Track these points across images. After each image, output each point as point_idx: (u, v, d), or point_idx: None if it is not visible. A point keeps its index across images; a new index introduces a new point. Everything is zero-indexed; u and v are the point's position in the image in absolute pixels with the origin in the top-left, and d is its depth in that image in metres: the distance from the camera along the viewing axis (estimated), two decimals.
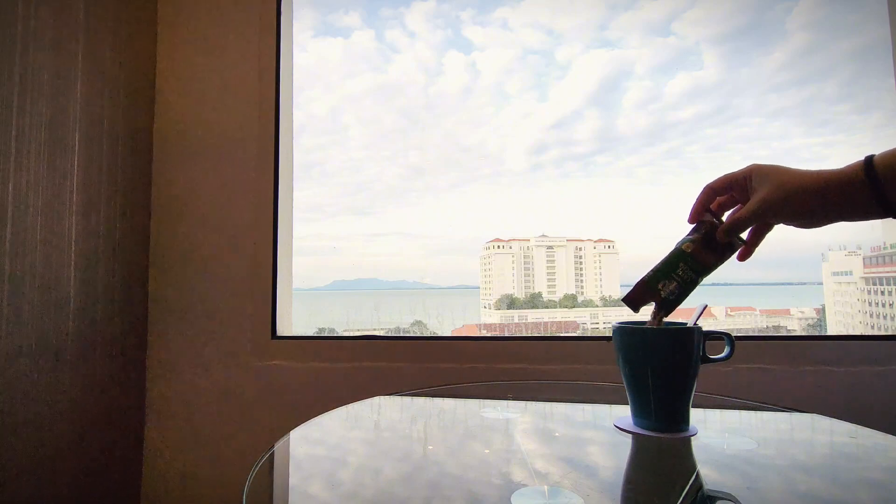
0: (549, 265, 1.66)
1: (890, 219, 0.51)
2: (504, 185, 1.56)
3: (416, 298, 1.47)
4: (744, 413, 0.81)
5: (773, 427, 0.74)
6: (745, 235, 0.61)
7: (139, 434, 1.24)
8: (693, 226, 0.64)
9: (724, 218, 0.62)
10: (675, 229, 0.66)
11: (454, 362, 1.16)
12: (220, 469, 1.22)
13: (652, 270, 0.63)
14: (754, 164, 0.58)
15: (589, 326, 1.59)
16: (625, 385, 0.66)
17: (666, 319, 0.66)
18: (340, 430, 0.74)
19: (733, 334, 0.66)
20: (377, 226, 1.63)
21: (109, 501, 1.13)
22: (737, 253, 0.62)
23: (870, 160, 0.51)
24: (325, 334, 1.36)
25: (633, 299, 0.64)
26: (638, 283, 0.64)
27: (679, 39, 1.45)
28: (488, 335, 1.47)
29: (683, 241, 0.63)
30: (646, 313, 0.66)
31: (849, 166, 0.52)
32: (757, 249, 0.62)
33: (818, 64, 1.35)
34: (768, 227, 0.61)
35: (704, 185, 0.62)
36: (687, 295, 0.62)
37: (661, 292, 0.62)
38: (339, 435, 0.71)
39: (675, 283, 0.62)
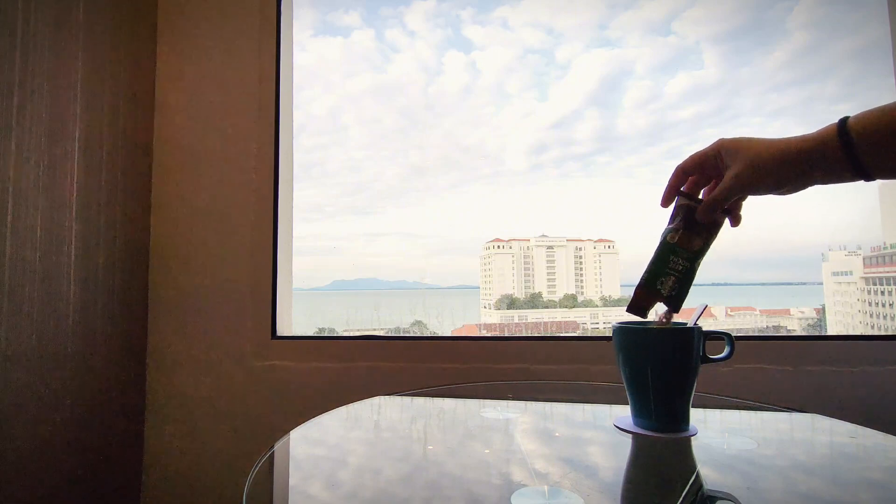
0: (549, 265, 1.66)
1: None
2: (504, 185, 1.57)
3: (416, 298, 1.47)
4: (744, 413, 0.81)
5: (773, 427, 0.74)
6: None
7: (139, 434, 1.24)
8: (671, 214, 0.63)
9: (700, 196, 0.61)
10: None
11: (454, 362, 1.16)
12: (220, 469, 1.22)
13: (646, 272, 0.62)
14: (721, 139, 0.57)
15: (589, 326, 1.59)
16: (625, 385, 0.66)
17: None
18: (340, 430, 0.73)
19: (733, 334, 0.65)
20: (377, 226, 1.63)
21: (109, 501, 1.13)
22: (728, 223, 0.60)
23: (843, 123, 0.49)
24: (325, 334, 1.36)
25: (638, 306, 0.62)
26: (636, 288, 0.62)
27: (679, 39, 1.45)
28: (488, 335, 1.47)
29: (667, 233, 0.61)
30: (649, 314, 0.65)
31: (821, 130, 0.50)
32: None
33: (818, 63, 1.35)
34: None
35: (675, 167, 0.61)
36: (689, 285, 0.60)
37: (662, 291, 0.60)
38: (339, 435, 0.71)
39: (672, 278, 0.60)
